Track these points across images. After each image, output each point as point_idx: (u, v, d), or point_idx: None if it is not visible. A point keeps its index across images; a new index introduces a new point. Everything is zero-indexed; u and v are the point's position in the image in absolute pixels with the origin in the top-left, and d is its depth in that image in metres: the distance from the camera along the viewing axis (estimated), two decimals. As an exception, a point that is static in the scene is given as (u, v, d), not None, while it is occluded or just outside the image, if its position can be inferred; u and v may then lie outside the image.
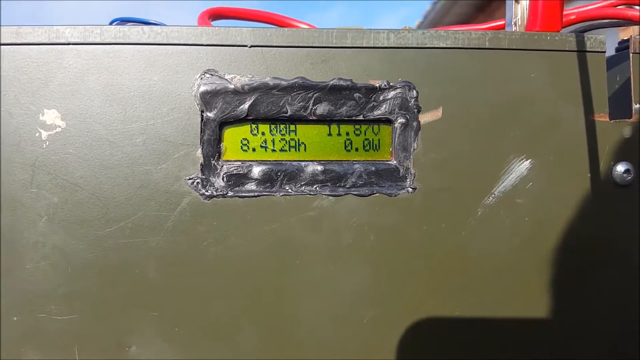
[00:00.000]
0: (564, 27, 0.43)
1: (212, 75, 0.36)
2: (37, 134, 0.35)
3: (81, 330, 0.36)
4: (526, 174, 0.37)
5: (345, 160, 0.37)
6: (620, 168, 0.38)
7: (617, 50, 0.49)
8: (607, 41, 0.40)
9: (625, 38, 0.53)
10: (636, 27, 0.49)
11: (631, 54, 0.39)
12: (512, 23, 0.44)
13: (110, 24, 0.41)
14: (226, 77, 0.36)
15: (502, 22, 0.47)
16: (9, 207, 0.35)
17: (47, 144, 0.35)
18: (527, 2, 0.43)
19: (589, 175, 0.38)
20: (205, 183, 0.36)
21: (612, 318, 0.38)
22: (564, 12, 0.42)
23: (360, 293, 0.37)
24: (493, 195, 0.37)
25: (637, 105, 0.39)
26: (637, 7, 0.47)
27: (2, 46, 0.36)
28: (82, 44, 0.35)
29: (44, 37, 0.35)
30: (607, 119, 0.38)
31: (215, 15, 0.43)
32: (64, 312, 0.36)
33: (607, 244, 0.38)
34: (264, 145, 0.37)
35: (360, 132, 0.38)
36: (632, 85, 0.39)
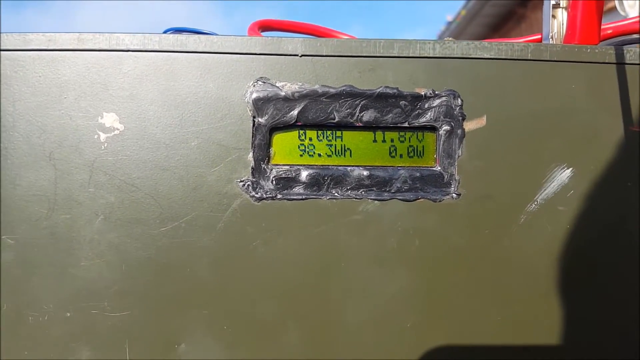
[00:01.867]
0: (600, 41, 0.44)
1: (264, 82, 0.37)
2: (96, 136, 0.37)
3: (133, 327, 0.37)
4: (567, 182, 0.38)
5: (390, 166, 0.38)
6: (660, 178, 0.39)
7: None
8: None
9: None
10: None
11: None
12: (549, 37, 0.45)
13: (164, 32, 0.43)
14: (277, 85, 0.37)
15: (539, 36, 0.48)
16: (66, 206, 0.37)
17: (106, 145, 0.37)
18: (564, 17, 0.44)
19: (629, 184, 0.39)
20: (255, 186, 0.37)
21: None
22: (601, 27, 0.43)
23: (404, 297, 0.38)
24: (535, 203, 0.38)
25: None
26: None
27: (60, 52, 0.37)
28: (141, 51, 0.37)
29: (104, 44, 0.37)
30: (646, 130, 0.39)
31: (264, 26, 0.44)
32: (116, 309, 0.37)
33: (648, 252, 0.38)
34: (311, 150, 0.38)
35: (405, 139, 0.39)
36: None
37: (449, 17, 5.22)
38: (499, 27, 4.75)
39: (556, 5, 0.45)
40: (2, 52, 0.37)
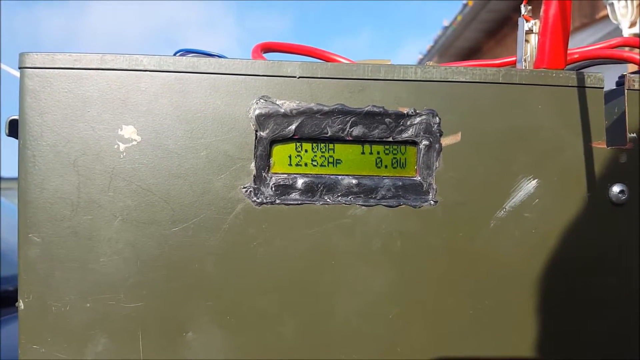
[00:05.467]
0: (568, 64, 0.49)
1: (265, 100, 0.42)
2: (116, 146, 0.41)
3: (145, 316, 0.41)
4: (533, 191, 0.43)
5: (376, 176, 0.43)
6: (616, 189, 0.44)
7: (617, 84, 0.55)
8: (613, 73, 0.46)
9: (624, 73, 0.59)
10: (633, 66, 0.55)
11: (625, 90, 0.45)
12: (523, 60, 0.50)
13: (175, 54, 0.48)
14: (277, 103, 0.42)
15: (514, 59, 0.53)
16: (88, 208, 0.41)
17: (124, 154, 0.41)
18: (536, 42, 0.49)
19: (588, 194, 0.44)
20: (256, 192, 0.42)
21: (607, 322, 0.44)
22: (569, 52, 0.48)
23: (387, 291, 0.43)
24: (504, 210, 0.43)
25: (632, 135, 0.44)
26: (635, 50, 0.53)
27: (84, 70, 0.42)
28: (157, 71, 0.42)
29: (125, 64, 0.42)
30: (605, 146, 0.44)
31: (266, 48, 0.49)
32: (131, 300, 0.41)
33: (603, 254, 0.43)
34: (307, 160, 0.43)
35: (390, 151, 0.43)
36: (626, 118, 0.44)
37: (446, 22, 5.27)
38: (495, 32, 4.80)
39: (529, 31, 0.50)
40: (32, 69, 0.41)
